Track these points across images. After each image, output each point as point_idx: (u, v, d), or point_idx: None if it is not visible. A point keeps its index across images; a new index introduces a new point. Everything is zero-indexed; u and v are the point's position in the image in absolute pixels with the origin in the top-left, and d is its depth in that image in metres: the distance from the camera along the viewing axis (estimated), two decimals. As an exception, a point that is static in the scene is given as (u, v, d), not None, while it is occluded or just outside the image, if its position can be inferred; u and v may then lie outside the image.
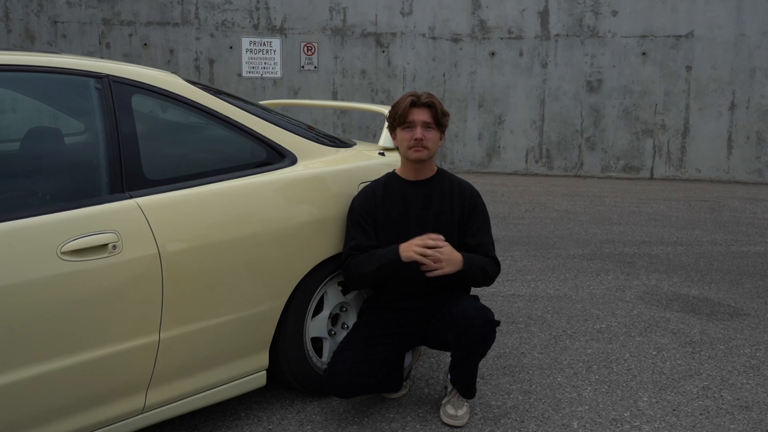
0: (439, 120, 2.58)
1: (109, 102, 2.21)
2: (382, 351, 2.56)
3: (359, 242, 2.59)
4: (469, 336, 2.46)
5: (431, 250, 2.42)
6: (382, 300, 2.70)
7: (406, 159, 2.64)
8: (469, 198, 2.67)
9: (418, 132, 2.54)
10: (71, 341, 1.98)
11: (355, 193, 2.72)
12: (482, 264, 2.57)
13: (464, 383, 2.59)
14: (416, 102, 2.56)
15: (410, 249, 2.44)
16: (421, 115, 2.55)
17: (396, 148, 2.96)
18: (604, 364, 3.18)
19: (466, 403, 2.63)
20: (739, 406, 2.79)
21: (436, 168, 2.71)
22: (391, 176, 2.71)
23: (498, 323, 2.51)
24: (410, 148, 2.57)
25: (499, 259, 5.06)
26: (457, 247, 2.62)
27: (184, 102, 2.41)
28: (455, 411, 2.59)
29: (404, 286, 2.63)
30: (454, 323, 2.49)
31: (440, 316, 2.58)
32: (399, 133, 2.61)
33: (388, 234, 2.61)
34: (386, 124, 2.86)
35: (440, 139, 2.64)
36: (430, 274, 2.46)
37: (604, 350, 3.36)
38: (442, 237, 2.46)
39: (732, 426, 2.62)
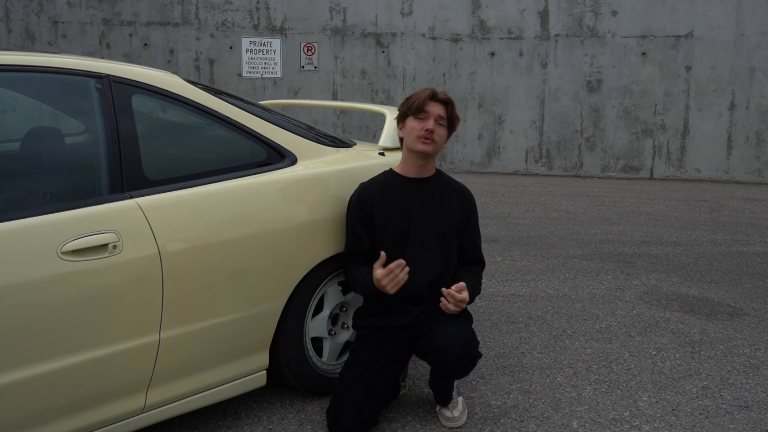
0: (452, 120, 2.59)
1: (109, 102, 2.21)
2: (384, 387, 2.51)
3: (353, 248, 2.60)
4: (444, 365, 2.45)
5: (401, 272, 2.40)
6: (379, 308, 2.61)
7: (410, 152, 2.59)
8: (468, 201, 2.69)
9: (431, 123, 2.52)
10: (71, 341, 1.98)
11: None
12: (477, 284, 2.62)
13: (438, 392, 2.60)
14: (435, 96, 2.57)
15: (381, 285, 2.42)
16: (437, 109, 2.55)
17: (397, 148, 2.94)
18: (603, 364, 3.19)
19: (461, 403, 2.63)
20: (738, 405, 2.80)
21: (435, 169, 2.69)
22: (390, 175, 2.66)
23: (479, 355, 2.46)
24: (419, 137, 2.53)
25: (499, 259, 5.15)
26: (456, 247, 2.65)
27: (184, 102, 2.41)
28: (451, 413, 2.59)
29: (405, 288, 2.56)
30: (433, 347, 2.44)
31: (425, 332, 2.52)
32: (410, 122, 2.56)
33: (387, 235, 2.57)
34: (392, 115, 2.83)
35: (445, 140, 2.64)
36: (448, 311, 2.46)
37: (603, 350, 3.36)
38: (403, 262, 2.41)
39: (731, 426, 2.63)
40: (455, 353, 2.39)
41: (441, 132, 2.57)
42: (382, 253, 2.42)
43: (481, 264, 2.74)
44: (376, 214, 2.58)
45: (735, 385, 2.98)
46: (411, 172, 2.63)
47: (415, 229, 2.57)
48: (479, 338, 3.47)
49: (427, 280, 2.56)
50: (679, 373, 3.10)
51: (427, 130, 2.52)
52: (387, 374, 2.53)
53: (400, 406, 2.73)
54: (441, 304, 2.45)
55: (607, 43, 10.00)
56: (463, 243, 2.67)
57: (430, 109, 2.54)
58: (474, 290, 2.56)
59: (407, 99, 2.61)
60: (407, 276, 2.42)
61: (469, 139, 10.50)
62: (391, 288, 2.40)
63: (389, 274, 2.39)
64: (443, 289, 2.44)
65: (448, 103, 2.58)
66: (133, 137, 2.23)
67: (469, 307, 3.84)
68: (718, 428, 2.61)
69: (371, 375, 2.49)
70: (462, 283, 2.46)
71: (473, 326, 3.57)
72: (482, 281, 2.70)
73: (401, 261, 2.40)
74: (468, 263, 2.69)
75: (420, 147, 2.54)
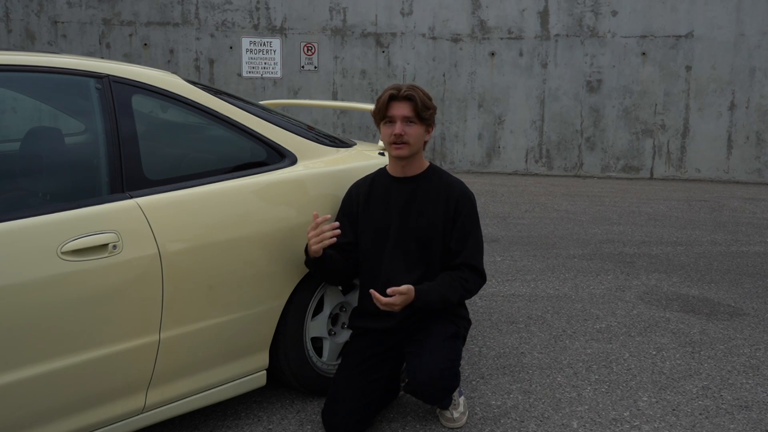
0: (421, 114, 2.45)
1: (109, 102, 2.21)
2: (375, 388, 2.50)
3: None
4: (419, 395, 2.45)
5: (328, 229, 2.38)
6: (368, 309, 2.58)
7: (390, 155, 2.57)
8: (456, 198, 2.53)
9: (398, 127, 2.44)
10: (71, 341, 1.98)
11: None
12: (452, 288, 2.46)
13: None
14: (395, 96, 2.44)
15: (308, 242, 2.42)
16: (400, 110, 2.45)
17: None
18: (604, 364, 3.19)
19: (462, 404, 2.63)
20: (738, 405, 2.80)
21: (427, 164, 2.61)
22: (380, 173, 2.64)
23: (454, 385, 2.44)
24: (391, 144, 2.49)
25: (499, 259, 5.14)
26: (441, 250, 2.53)
27: (184, 102, 2.41)
28: (451, 414, 2.59)
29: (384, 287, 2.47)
30: (409, 374, 2.44)
31: (407, 352, 2.51)
32: (381, 128, 2.53)
33: (368, 231, 2.56)
34: None
35: (427, 133, 2.53)
36: (383, 305, 2.37)
37: (604, 350, 3.36)
38: (329, 217, 2.40)
39: (732, 426, 2.62)
40: (424, 390, 2.40)
41: (412, 131, 2.46)
42: (315, 213, 2.41)
43: (472, 269, 2.52)
44: (362, 211, 2.58)
45: (735, 385, 2.98)
46: (396, 172, 2.59)
47: (395, 228, 2.53)
48: (480, 338, 3.47)
49: (406, 281, 2.45)
50: (679, 373, 3.10)
51: (395, 135, 2.45)
52: (376, 375, 2.51)
53: (400, 406, 2.73)
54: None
55: (607, 43, 10.00)
56: (449, 244, 2.53)
57: (393, 112, 2.46)
58: (431, 295, 2.42)
59: (376, 102, 2.53)
60: (334, 238, 2.39)
61: (469, 139, 10.50)
62: (314, 243, 2.38)
63: (316, 228, 2.38)
64: (371, 291, 2.37)
65: (411, 99, 2.44)
66: (133, 137, 2.23)
67: (469, 308, 3.85)
68: (718, 428, 2.60)
69: (360, 376, 2.49)
70: (405, 287, 2.34)
71: (475, 326, 3.59)
72: (451, 298, 2.47)
73: (328, 216, 2.40)
74: (456, 268, 2.52)
75: (394, 153, 2.50)
